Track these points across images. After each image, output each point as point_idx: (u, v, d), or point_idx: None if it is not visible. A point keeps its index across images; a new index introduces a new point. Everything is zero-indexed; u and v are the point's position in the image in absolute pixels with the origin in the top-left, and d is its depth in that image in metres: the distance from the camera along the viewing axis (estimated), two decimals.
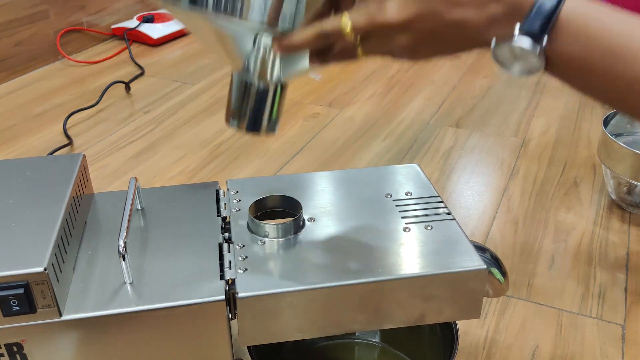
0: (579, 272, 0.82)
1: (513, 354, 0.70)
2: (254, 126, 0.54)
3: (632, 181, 0.88)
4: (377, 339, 0.70)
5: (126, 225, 0.49)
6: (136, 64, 1.53)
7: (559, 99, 1.34)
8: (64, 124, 1.21)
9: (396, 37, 0.45)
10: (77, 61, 1.55)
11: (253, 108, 0.53)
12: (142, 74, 1.47)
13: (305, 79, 1.45)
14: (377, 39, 0.47)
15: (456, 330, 0.59)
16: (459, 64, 1.54)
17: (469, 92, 1.38)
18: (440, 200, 0.58)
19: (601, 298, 0.78)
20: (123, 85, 1.40)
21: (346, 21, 0.45)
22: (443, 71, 1.49)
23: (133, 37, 1.68)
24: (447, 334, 0.61)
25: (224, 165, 1.09)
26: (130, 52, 1.58)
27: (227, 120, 0.55)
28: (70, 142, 1.15)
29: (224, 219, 0.57)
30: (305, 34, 0.47)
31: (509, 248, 0.87)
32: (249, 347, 0.57)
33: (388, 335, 0.69)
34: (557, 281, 0.81)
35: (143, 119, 1.26)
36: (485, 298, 0.78)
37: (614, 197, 0.96)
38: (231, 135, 1.19)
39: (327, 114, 1.28)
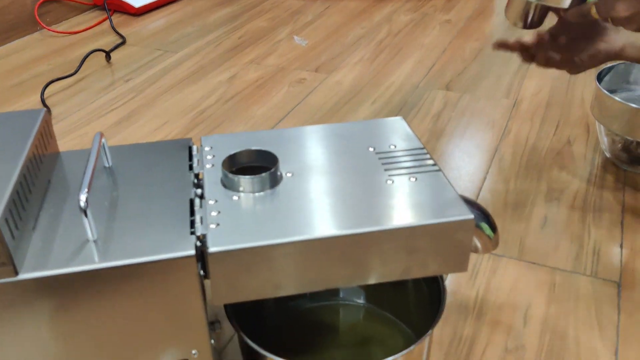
0: (572, 230, 0.80)
1: (505, 313, 0.67)
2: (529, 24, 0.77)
3: (627, 137, 0.86)
4: (362, 300, 0.67)
5: (89, 179, 0.45)
6: (117, 33, 1.49)
7: None
8: (42, 93, 1.17)
9: None
10: (56, 32, 1.51)
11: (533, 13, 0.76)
12: (123, 43, 1.43)
13: (291, 45, 1.40)
14: None
15: (443, 288, 0.56)
16: (449, 28, 1.50)
17: (460, 55, 1.34)
18: (426, 152, 0.55)
19: (596, 256, 0.75)
20: (103, 55, 1.36)
21: None
22: (433, 35, 1.45)
23: (114, 7, 1.63)
24: (434, 292, 0.59)
25: (207, 132, 1.05)
26: (111, 22, 1.54)
27: (507, 17, 0.78)
28: (48, 111, 1.12)
29: (196, 175, 0.54)
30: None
31: (500, 207, 0.84)
32: (226, 308, 0.54)
33: (373, 296, 0.67)
34: (550, 240, 0.78)
35: (123, 87, 1.22)
36: (475, 257, 0.76)
37: (608, 155, 0.94)
38: (215, 101, 1.15)
39: (314, 79, 1.24)
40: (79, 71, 1.28)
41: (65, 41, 1.46)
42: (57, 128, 1.07)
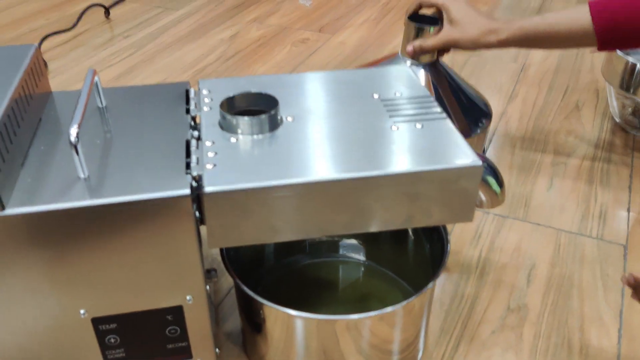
0: (579, 193, 0.78)
1: (508, 273, 0.66)
2: None
3: (637, 98, 0.83)
4: (362, 257, 0.65)
5: (80, 114, 0.43)
6: None
7: None
8: (38, 47, 1.14)
9: None
10: None
11: None
12: None
13: (295, 5, 1.37)
14: None
15: (446, 239, 0.55)
16: None
17: None
18: (433, 99, 0.53)
19: (602, 219, 0.73)
20: (102, 11, 1.32)
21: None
22: None
23: None
24: (435, 251, 0.57)
25: None
26: None
27: None
28: (44, 65, 1.09)
29: (193, 118, 0.52)
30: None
31: (506, 170, 0.82)
32: (223, 259, 0.53)
33: (374, 253, 0.65)
34: (555, 202, 0.76)
35: (122, 43, 1.19)
36: (479, 217, 0.74)
37: (617, 120, 0.91)
38: (215, 59, 1.12)
39: (317, 39, 1.21)
40: (77, 26, 1.25)
41: None
42: (54, 82, 1.04)
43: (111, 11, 1.33)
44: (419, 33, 0.74)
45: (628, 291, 0.64)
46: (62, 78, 1.06)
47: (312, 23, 1.28)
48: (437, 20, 0.74)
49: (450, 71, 0.79)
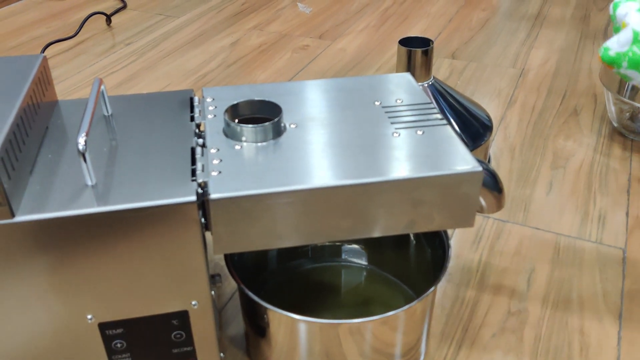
0: (578, 197, 0.79)
1: (508, 277, 0.66)
2: None
3: (635, 104, 0.84)
4: (364, 262, 0.66)
5: (87, 122, 0.44)
6: None
7: (559, 31, 1.28)
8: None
9: None
10: None
11: None
12: (124, 7, 1.41)
13: (295, 12, 1.38)
14: None
15: (447, 244, 0.55)
16: None
17: (466, 24, 1.32)
18: (433, 106, 0.54)
19: (601, 222, 0.74)
20: (104, 19, 1.33)
21: None
22: (440, 4, 1.43)
23: None
24: (436, 256, 0.58)
25: None
26: None
27: None
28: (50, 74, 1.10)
29: (198, 125, 0.53)
30: None
31: (505, 174, 0.83)
32: (227, 264, 0.53)
33: (376, 258, 0.66)
34: (555, 206, 0.77)
35: (124, 50, 1.20)
36: (479, 222, 0.75)
37: (615, 124, 0.92)
38: (217, 66, 1.13)
39: (318, 46, 1.22)
40: (79, 34, 1.26)
41: (64, 5, 1.44)
42: (57, 89, 1.05)
43: (112, 19, 1.34)
44: (410, 55, 0.75)
45: (628, 294, 0.64)
46: (64, 85, 1.07)
47: (312, 30, 1.29)
48: (428, 42, 0.76)
49: (447, 88, 0.80)
